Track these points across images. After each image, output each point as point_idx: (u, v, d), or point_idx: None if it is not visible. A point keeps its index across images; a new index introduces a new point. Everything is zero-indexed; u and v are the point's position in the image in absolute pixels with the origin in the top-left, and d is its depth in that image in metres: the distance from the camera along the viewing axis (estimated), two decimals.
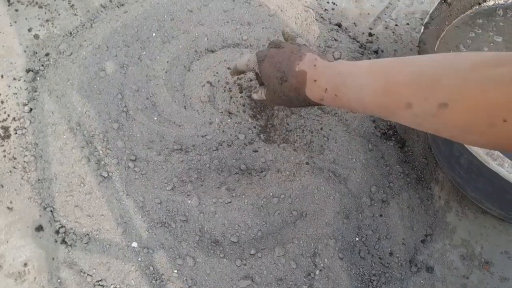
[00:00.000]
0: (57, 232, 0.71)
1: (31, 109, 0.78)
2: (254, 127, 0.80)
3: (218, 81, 0.82)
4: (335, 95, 0.55)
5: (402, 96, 0.45)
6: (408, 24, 0.95)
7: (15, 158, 0.75)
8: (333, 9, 0.95)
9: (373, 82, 0.49)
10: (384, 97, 0.47)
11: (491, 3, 0.77)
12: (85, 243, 0.70)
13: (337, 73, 0.55)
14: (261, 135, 0.80)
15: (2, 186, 0.73)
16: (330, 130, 0.81)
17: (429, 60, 0.45)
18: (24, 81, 0.80)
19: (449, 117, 0.40)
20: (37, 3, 0.87)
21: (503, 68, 0.36)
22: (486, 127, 0.37)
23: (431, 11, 0.72)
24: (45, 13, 0.86)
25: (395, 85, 0.46)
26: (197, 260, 0.70)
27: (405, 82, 0.45)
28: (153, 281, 0.68)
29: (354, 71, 0.53)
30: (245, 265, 0.70)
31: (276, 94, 0.62)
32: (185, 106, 0.80)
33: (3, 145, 0.75)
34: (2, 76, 0.80)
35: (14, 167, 0.74)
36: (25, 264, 0.69)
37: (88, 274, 0.68)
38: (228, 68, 0.80)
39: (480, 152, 0.57)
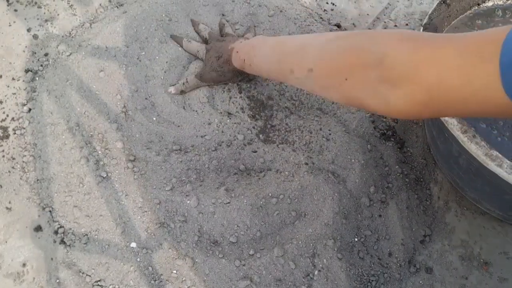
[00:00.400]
0: (56, 232, 0.71)
1: (30, 109, 0.78)
2: (253, 128, 0.80)
3: None
4: (249, 65, 0.69)
5: (288, 64, 0.58)
6: (407, 24, 0.95)
7: (14, 158, 0.75)
8: (332, 9, 0.95)
9: (271, 54, 0.63)
10: (277, 65, 0.61)
11: (490, 4, 0.77)
12: (84, 243, 0.70)
13: (251, 46, 0.70)
14: (260, 135, 0.80)
15: (1, 186, 0.73)
16: (329, 130, 0.81)
17: (306, 36, 0.60)
18: (23, 81, 0.80)
19: (315, 79, 0.53)
20: (36, 3, 0.86)
21: (341, 41, 0.49)
22: (337, 84, 0.48)
23: (430, 12, 0.72)
24: (44, 13, 0.86)
25: (284, 56, 0.60)
26: (196, 260, 0.70)
27: (290, 53, 0.58)
28: (152, 282, 0.68)
29: (261, 46, 0.67)
30: (244, 265, 0.70)
31: (212, 68, 0.77)
32: (184, 106, 0.80)
33: (1, 145, 0.75)
34: (1, 76, 0.80)
35: (13, 167, 0.74)
36: (24, 265, 0.68)
37: (87, 275, 0.68)
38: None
39: (479, 153, 0.57)
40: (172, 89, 0.80)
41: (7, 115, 0.77)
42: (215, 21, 0.88)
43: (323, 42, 0.52)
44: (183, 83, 0.80)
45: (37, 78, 0.81)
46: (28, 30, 0.84)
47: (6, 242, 0.69)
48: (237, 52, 0.73)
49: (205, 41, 0.84)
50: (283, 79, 0.63)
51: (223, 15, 0.89)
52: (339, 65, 0.48)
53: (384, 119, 0.83)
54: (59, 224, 0.71)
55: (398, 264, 0.73)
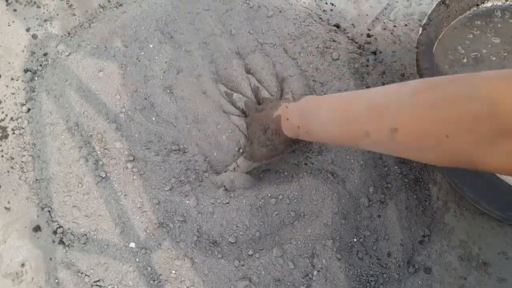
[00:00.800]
0: (55, 232, 0.70)
1: (29, 109, 0.78)
2: None
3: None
4: (306, 132, 0.61)
5: (360, 126, 0.49)
6: (406, 25, 0.95)
7: (12, 158, 0.74)
8: (331, 10, 0.96)
9: (335, 116, 0.54)
10: (346, 129, 0.52)
11: (489, 4, 0.78)
12: (83, 244, 0.70)
13: (304, 110, 0.61)
14: None
15: (0, 186, 0.73)
16: None
17: (377, 91, 0.49)
18: (22, 81, 0.80)
19: (401, 140, 0.44)
20: (35, 3, 0.86)
21: (433, 92, 0.41)
22: (434, 144, 0.40)
23: (429, 12, 0.73)
24: (44, 13, 0.86)
25: (353, 117, 0.50)
26: (195, 260, 0.70)
27: (361, 113, 0.49)
28: (151, 282, 0.68)
29: (318, 109, 0.58)
30: (243, 265, 0.70)
31: (260, 143, 0.69)
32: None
33: (0, 145, 0.75)
34: (0, 76, 0.80)
35: (11, 167, 0.74)
36: (23, 265, 0.68)
37: (85, 275, 0.68)
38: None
39: None
40: (224, 181, 0.73)
41: (6, 115, 0.77)
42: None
43: (408, 94, 0.44)
44: (234, 168, 0.74)
45: (36, 78, 0.81)
46: (27, 30, 0.84)
47: (5, 242, 0.69)
48: (287, 119, 0.64)
49: (243, 112, 0.79)
50: (353, 143, 0.53)
51: (249, 73, 0.83)
52: (436, 121, 0.40)
53: None
54: (58, 224, 0.71)
55: (397, 264, 0.73)
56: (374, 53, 0.90)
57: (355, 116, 0.50)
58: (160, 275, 0.69)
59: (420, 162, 0.46)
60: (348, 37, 0.91)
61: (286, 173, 0.77)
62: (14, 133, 0.76)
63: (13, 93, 0.79)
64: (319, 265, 0.71)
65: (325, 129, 0.56)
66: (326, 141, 0.60)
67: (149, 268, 0.69)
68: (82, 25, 0.86)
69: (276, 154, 0.70)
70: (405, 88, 0.45)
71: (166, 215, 0.72)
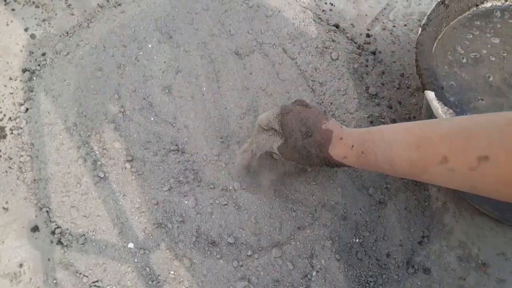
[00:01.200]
0: (53, 232, 0.70)
1: (27, 109, 0.78)
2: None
3: None
4: (361, 152, 0.53)
5: (437, 150, 0.43)
6: (405, 25, 0.95)
7: (11, 158, 0.74)
8: (331, 10, 0.95)
9: (405, 137, 0.47)
10: (416, 152, 0.45)
11: (488, 4, 0.77)
12: (81, 244, 0.70)
13: (367, 131, 0.54)
14: None
15: None
16: None
17: (464, 117, 0.44)
18: (21, 81, 0.80)
19: (490, 171, 0.38)
20: (33, 2, 0.86)
21: None
22: None
23: (428, 13, 0.72)
24: (42, 12, 0.86)
25: (429, 139, 0.44)
26: (194, 261, 0.69)
27: (441, 135, 0.43)
28: (150, 282, 0.68)
29: (384, 129, 0.52)
30: (242, 266, 0.70)
31: (296, 148, 0.60)
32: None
33: None
34: None
35: (10, 167, 0.74)
36: (21, 265, 0.68)
37: (84, 275, 0.68)
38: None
39: None
40: (261, 145, 0.66)
41: (4, 115, 0.77)
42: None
43: (502, 123, 0.38)
44: (271, 147, 0.65)
45: (34, 78, 0.81)
46: (26, 29, 0.84)
47: (3, 242, 0.69)
48: (340, 138, 0.57)
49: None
50: (420, 170, 0.46)
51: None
52: None
53: (382, 120, 0.83)
54: (56, 225, 0.71)
55: (396, 265, 0.73)
56: (374, 53, 0.90)
57: (432, 138, 0.44)
58: (159, 275, 0.68)
59: (499, 199, 0.40)
60: (347, 37, 0.91)
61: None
62: (12, 133, 0.76)
63: (11, 93, 0.79)
64: (318, 266, 0.70)
65: (388, 151, 0.49)
66: (384, 166, 0.51)
67: (147, 269, 0.69)
68: (80, 24, 0.86)
69: (304, 164, 0.64)
70: (496, 116, 0.40)
71: (165, 215, 0.72)
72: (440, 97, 0.62)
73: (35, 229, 0.70)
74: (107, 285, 0.68)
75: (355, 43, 0.91)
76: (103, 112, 0.78)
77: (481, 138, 0.39)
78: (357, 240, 0.73)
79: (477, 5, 0.78)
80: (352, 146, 0.55)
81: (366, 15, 0.96)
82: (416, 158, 0.45)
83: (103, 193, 0.73)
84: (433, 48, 0.73)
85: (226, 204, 0.73)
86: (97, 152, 0.75)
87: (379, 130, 0.52)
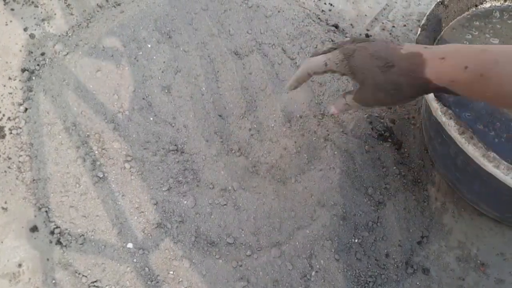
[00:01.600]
0: (52, 232, 0.70)
1: (26, 109, 0.78)
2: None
3: None
4: (480, 75, 0.45)
5: None
6: (405, 25, 0.95)
7: (10, 158, 0.74)
8: (330, 10, 0.95)
9: None
10: None
11: (487, 5, 0.78)
12: (80, 244, 0.69)
13: (480, 50, 0.46)
14: None
15: None
16: (327, 131, 0.80)
17: None
18: (20, 80, 0.80)
19: None
20: (33, 2, 0.86)
21: None
22: None
23: (428, 13, 0.72)
24: (41, 12, 0.86)
25: None
26: (193, 261, 0.69)
27: None
28: (149, 282, 0.68)
29: (503, 48, 0.45)
30: (241, 266, 0.70)
31: (378, 87, 0.51)
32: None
33: None
34: None
35: (9, 167, 0.74)
36: (20, 265, 0.68)
37: (83, 275, 0.68)
38: None
39: (476, 154, 0.57)
40: (332, 109, 0.58)
41: (3, 115, 0.77)
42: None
43: None
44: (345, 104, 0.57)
45: (33, 78, 0.80)
46: (25, 29, 0.84)
47: (1, 242, 0.69)
48: (442, 58, 0.47)
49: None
50: None
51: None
52: None
53: (382, 120, 0.83)
54: (55, 225, 0.71)
55: (395, 265, 0.73)
56: None
57: None
58: (158, 275, 0.68)
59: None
60: (346, 37, 0.91)
61: (286, 174, 0.77)
62: (11, 133, 0.76)
63: (11, 93, 0.79)
64: (317, 266, 0.70)
65: None
66: (506, 96, 0.44)
67: (146, 269, 0.69)
68: (80, 24, 0.86)
69: (398, 101, 0.53)
70: None
71: (164, 215, 0.72)
72: (439, 98, 0.62)
73: (34, 229, 0.70)
74: (106, 285, 0.68)
75: None
76: (102, 112, 0.78)
77: None
78: (356, 240, 0.73)
79: (476, 6, 0.78)
80: (466, 67, 0.46)
81: (365, 15, 0.96)
82: None
83: (102, 193, 0.73)
84: None
85: (225, 204, 0.73)
86: (96, 152, 0.75)
87: (498, 49, 0.45)
